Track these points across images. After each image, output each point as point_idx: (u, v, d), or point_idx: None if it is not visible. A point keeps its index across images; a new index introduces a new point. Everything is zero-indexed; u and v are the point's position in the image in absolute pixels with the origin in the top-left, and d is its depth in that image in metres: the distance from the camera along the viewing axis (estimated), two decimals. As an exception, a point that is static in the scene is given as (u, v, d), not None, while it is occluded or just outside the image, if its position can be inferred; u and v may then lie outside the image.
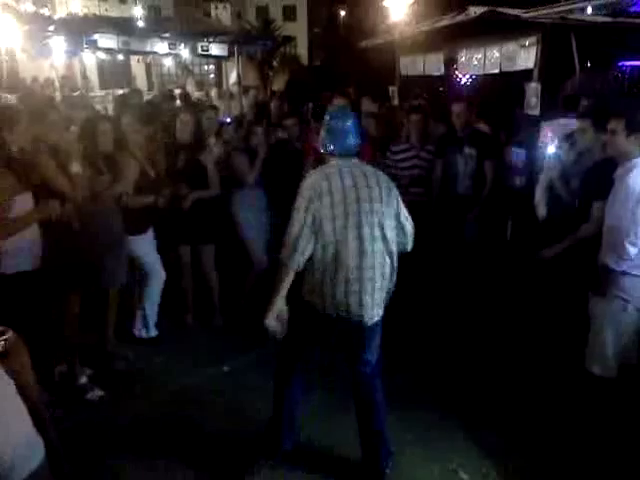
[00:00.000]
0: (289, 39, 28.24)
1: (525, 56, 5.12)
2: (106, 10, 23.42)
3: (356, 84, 8.98)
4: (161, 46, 11.38)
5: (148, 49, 11.71)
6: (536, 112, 4.87)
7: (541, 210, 3.89)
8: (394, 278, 2.68)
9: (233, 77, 13.04)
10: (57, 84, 11.72)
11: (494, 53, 5.65)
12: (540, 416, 3.25)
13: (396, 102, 7.76)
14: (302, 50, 32.58)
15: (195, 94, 12.82)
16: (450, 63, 6.82)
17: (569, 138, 3.81)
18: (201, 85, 15.94)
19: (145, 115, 4.43)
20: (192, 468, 2.92)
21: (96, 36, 10.34)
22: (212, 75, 22.42)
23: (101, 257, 3.49)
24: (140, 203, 3.86)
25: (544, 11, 5.69)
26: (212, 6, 27.46)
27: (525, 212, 4.27)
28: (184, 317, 4.56)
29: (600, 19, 5.14)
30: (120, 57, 17.84)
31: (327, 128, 2.67)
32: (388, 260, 2.61)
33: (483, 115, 5.15)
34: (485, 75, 6.12)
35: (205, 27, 13.39)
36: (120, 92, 10.32)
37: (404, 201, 2.73)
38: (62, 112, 4.35)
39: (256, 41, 14.50)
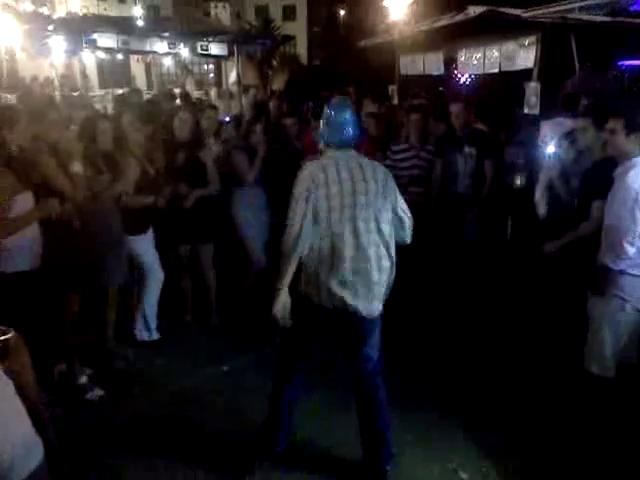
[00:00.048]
0: (289, 38, 28.17)
1: (525, 55, 5.12)
2: (105, 9, 23.42)
3: (356, 84, 8.96)
4: (160, 45, 11.39)
5: (147, 48, 11.71)
6: (536, 111, 4.87)
7: (541, 209, 3.90)
8: (393, 272, 2.68)
9: (233, 76, 13.04)
10: (56, 83, 11.73)
11: (494, 52, 5.66)
12: (540, 416, 3.25)
13: (396, 101, 7.77)
14: (302, 49, 32.54)
15: (195, 93, 12.82)
16: (450, 62, 6.83)
17: (569, 136, 3.80)
18: (201, 84, 15.97)
19: (145, 114, 4.43)
20: (192, 468, 2.91)
21: (95, 35, 10.34)
22: (212, 75, 22.40)
23: (101, 256, 3.49)
24: (140, 203, 3.85)
25: (543, 11, 5.69)
26: (211, 5, 27.47)
27: (525, 211, 4.27)
28: (183, 317, 4.56)
29: (599, 19, 5.14)
30: (119, 56, 17.86)
31: (325, 120, 2.67)
32: (384, 253, 2.60)
33: (483, 115, 5.16)
34: (485, 74, 6.12)
35: (204, 26, 13.40)
36: (119, 91, 10.34)
37: (404, 200, 2.72)
38: (62, 111, 4.35)
39: (256, 40, 14.50)
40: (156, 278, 4.09)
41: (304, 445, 3.04)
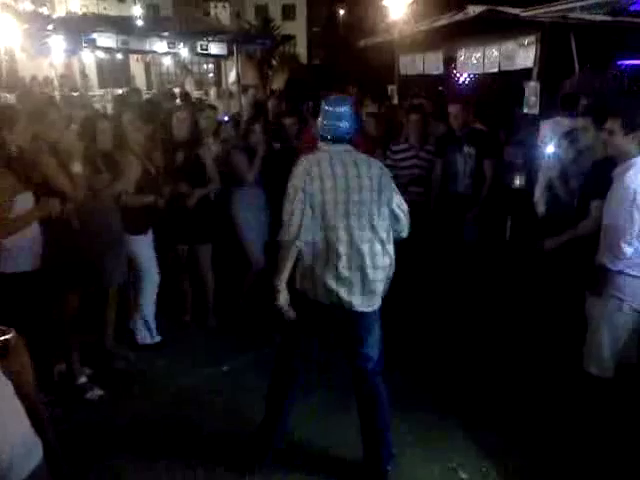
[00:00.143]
0: (288, 38, 28.21)
1: (524, 55, 5.12)
2: (105, 9, 23.43)
3: (357, 84, 8.96)
4: (160, 45, 11.36)
5: (147, 48, 11.68)
6: (535, 111, 4.87)
7: (540, 208, 3.90)
8: (392, 268, 2.67)
9: (232, 76, 13.02)
10: (56, 83, 11.72)
11: (493, 52, 5.66)
12: (539, 416, 3.25)
13: (396, 101, 7.77)
14: (301, 49, 32.58)
15: (194, 93, 12.81)
16: (449, 62, 6.82)
17: (568, 136, 3.80)
18: (200, 84, 15.96)
19: (145, 113, 4.43)
20: (191, 468, 2.91)
21: (95, 35, 10.31)
22: (211, 74, 22.41)
23: (101, 256, 3.49)
24: (140, 202, 3.85)
25: (543, 10, 5.69)
26: (211, 5, 27.48)
27: (524, 211, 4.27)
28: (182, 318, 4.55)
29: (599, 18, 5.13)
30: (119, 56, 17.86)
31: (322, 114, 2.67)
32: (379, 249, 2.59)
33: (482, 114, 5.16)
34: (484, 74, 6.12)
35: (204, 26, 13.38)
36: (119, 91, 10.35)
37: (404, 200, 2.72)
38: (62, 111, 4.34)
39: (255, 40, 14.47)
40: (152, 280, 4.06)
41: (304, 445, 3.04)
